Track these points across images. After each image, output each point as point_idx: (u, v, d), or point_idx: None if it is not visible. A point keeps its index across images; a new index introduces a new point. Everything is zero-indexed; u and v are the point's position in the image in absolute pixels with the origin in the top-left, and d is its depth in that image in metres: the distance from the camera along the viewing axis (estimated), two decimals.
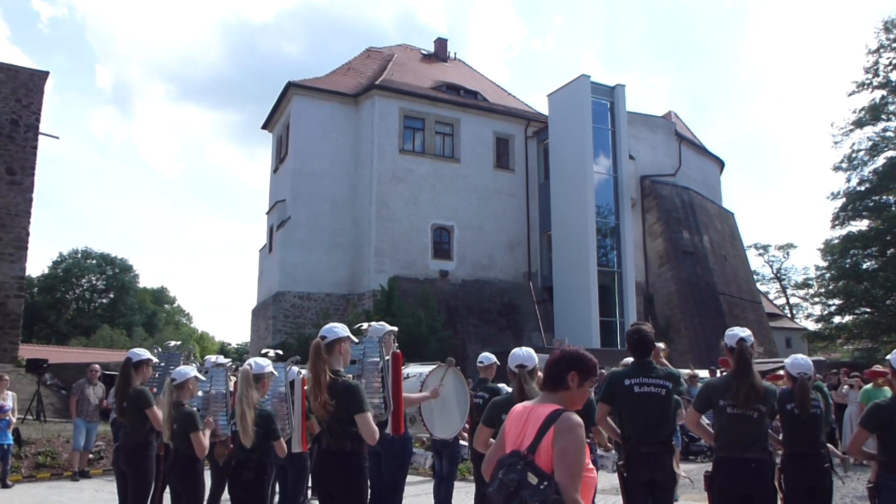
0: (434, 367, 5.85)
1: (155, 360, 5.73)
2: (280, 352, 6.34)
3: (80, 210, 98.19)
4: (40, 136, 18.97)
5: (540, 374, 4.85)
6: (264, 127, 29.79)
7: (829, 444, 4.60)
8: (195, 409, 4.86)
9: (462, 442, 6.45)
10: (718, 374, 10.82)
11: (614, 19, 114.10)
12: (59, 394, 16.65)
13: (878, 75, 27.38)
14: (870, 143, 27.90)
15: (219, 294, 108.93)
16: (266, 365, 4.93)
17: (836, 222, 28.56)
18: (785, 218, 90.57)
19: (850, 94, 28.19)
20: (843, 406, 11.92)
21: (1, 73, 18.66)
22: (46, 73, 19.47)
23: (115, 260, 55.51)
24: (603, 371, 7.05)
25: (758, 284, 41.37)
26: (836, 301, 29.11)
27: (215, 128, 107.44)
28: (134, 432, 5.25)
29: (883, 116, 27.44)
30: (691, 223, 28.91)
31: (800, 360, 4.58)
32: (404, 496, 5.60)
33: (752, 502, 4.06)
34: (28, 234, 18.34)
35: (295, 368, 5.53)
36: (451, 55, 33.27)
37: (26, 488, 9.55)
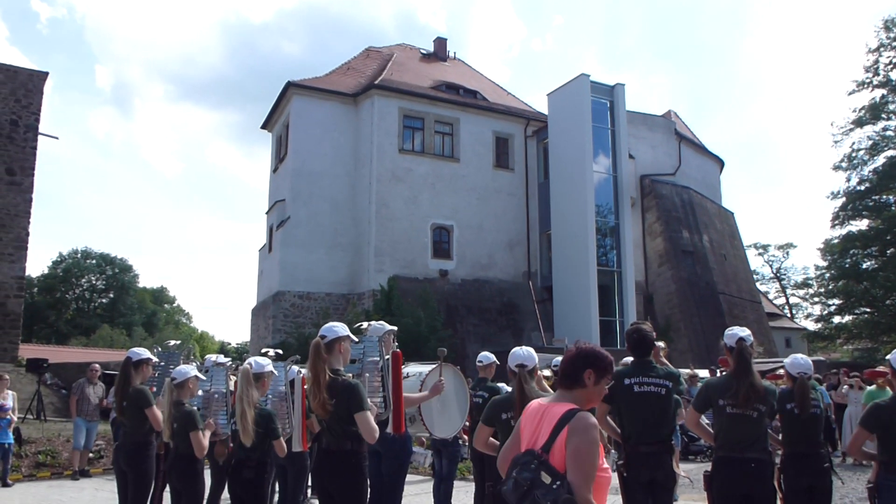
0: (433, 366, 5.85)
1: (155, 359, 5.73)
2: (280, 351, 6.34)
3: (79, 210, 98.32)
4: (40, 137, 18.98)
5: (540, 373, 4.88)
6: (264, 127, 29.78)
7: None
8: (195, 408, 4.86)
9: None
10: (718, 374, 10.82)
11: (614, 19, 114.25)
12: (60, 393, 16.67)
13: (879, 74, 27.43)
14: (870, 143, 27.95)
15: (219, 294, 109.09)
16: (266, 364, 4.94)
17: (836, 222, 28.61)
18: (785, 217, 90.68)
19: (850, 94, 28.31)
20: (843, 406, 11.94)
21: (0, 74, 18.66)
22: (46, 74, 19.49)
23: (115, 260, 55.55)
24: None
25: (757, 284, 41.34)
26: (836, 301, 29.15)
27: (215, 128, 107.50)
28: (134, 431, 5.26)
29: (883, 115, 27.47)
30: (691, 223, 28.90)
31: (799, 360, 4.59)
32: (404, 495, 5.61)
33: (751, 502, 4.06)
34: (28, 234, 18.35)
35: (295, 368, 5.54)
36: (451, 55, 33.23)
37: (27, 487, 9.58)
